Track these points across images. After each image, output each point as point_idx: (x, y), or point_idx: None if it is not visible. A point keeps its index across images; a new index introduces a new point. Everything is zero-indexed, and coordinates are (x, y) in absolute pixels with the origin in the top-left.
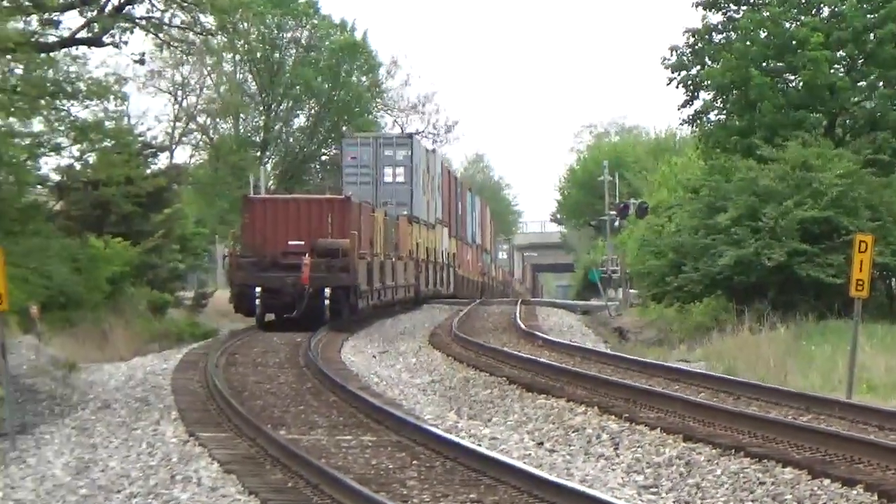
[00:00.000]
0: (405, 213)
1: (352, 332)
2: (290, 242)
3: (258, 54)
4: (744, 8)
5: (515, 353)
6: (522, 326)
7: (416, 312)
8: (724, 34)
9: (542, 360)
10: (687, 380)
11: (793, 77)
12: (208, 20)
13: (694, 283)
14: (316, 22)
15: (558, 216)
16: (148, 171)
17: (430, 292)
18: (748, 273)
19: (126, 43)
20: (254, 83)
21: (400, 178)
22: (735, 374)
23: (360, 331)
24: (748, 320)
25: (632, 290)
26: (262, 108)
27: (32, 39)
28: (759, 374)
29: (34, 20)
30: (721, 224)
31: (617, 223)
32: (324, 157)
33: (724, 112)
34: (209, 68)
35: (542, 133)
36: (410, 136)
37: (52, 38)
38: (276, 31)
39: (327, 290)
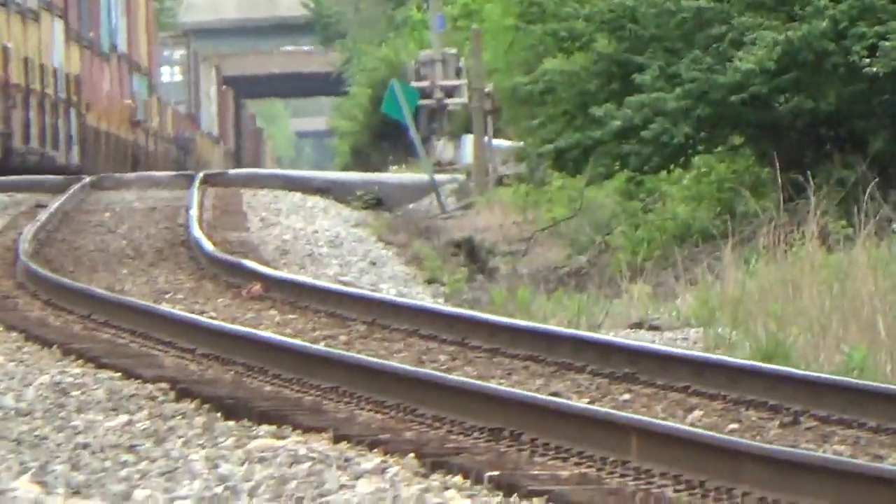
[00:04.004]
0: None
1: None
2: None
3: None
4: None
5: (192, 317)
6: (207, 246)
7: None
8: None
9: (262, 335)
10: (658, 376)
11: None
12: None
13: (669, 115)
14: None
15: None
16: None
17: (32, 158)
18: (812, 87)
19: None
20: None
21: None
22: (787, 362)
23: None
24: (814, 211)
25: (499, 142)
26: None
27: None
28: (852, 359)
29: None
30: None
31: None
32: None
33: None
34: None
35: None
36: None
37: None
38: None
39: None
